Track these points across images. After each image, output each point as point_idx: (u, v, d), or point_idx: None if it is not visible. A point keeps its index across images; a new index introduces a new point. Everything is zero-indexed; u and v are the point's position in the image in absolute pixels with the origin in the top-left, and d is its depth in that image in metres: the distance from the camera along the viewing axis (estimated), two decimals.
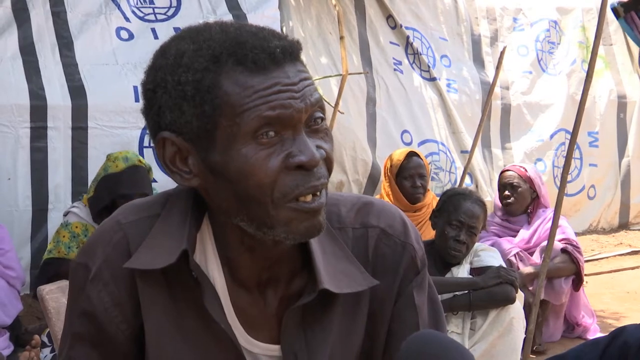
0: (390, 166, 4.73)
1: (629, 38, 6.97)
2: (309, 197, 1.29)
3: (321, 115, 1.31)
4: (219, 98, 1.25)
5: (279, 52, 1.27)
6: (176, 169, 1.33)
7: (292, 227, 1.29)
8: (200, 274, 1.36)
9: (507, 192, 4.77)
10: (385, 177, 4.81)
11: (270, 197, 1.27)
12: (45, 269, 4.16)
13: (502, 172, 4.89)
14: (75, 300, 1.44)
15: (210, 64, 1.26)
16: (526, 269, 4.49)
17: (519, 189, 4.74)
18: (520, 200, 4.75)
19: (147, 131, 1.37)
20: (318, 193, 1.30)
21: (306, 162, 1.27)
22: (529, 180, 4.75)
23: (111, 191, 3.99)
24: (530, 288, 4.40)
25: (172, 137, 1.30)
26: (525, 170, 4.80)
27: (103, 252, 1.40)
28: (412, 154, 4.77)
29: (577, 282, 4.60)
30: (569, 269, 4.55)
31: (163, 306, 1.39)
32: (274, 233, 1.30)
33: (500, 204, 4.85)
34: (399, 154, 4.80)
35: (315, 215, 1.30)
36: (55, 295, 1.89)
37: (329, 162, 1.32)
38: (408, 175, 4.67)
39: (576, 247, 4.61)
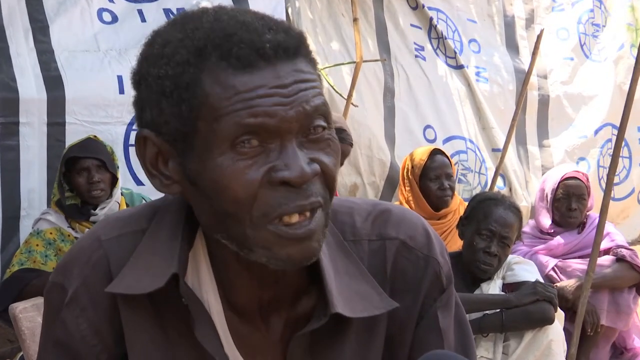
0: (412, 167, 4.74)
1: None
2: (295, 218, 1.26)
3: (322, 123, 1.28)
4: (197, 98, 1.24)
5: (269, 47, 1.24)
6: (156, 172, 1.32)
7: (273, 253, 1.27)
8: (192, 300, 1.36)
9: (574, 205, 4.69)
10: (404, 180, 4.81)
11: (248, 215, 1.25)
12: (15, 282, 4.20)
13: (566, 178, 4.75)
14: (49, 327, 1.45)
15: (192, 57, 1.25)
16: (571, 282, 4.45)
17: (584, 201, 4.70)
18: (583, 213, 4.72)
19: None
20: (307, 214, 1.27)
21: (292, 179, 1.24)
22: (589, 190, 4.73)
23: (63, 159, 4.36)
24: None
25: (151, 136, 1.30)
26: (587, 178, 4.77)
27: (81, 273, 1.40)
28: (435, 152, 4.79)
29: None
30: (630, 277, 4.50)
31: (150, 335, 1.39)
32: (255, 256, 1.28)
33: (549, 215, 4.77)
34: (421, 153, 4.82)
35: (301, 241, 1.27)
36: (30, 315, 1.90)
37: (328, 179, 1.29)
38: (434, 177, 4.68)
39: (630, 250, 4.58)
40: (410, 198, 4.75)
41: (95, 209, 4.36)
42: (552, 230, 4.76)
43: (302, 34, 1.31)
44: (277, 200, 1.25)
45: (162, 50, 1.27)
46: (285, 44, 1.26)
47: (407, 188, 4.79)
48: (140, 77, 1.30)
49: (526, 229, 4.77)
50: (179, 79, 1.25)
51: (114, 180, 4.42)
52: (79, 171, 4.34)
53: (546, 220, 4.76)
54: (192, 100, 1.24)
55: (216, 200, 1.26)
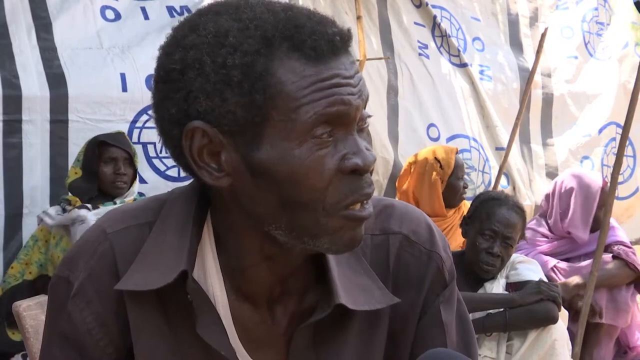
0: (441, 166, 4.76)
1: None
2: (358, 206, 1.31)
3: (368, 113, 1.34)
4: (272, 87, 1.25)
5: (339, 40, 1.28)
6: (204, 164, 1.31)
7: (337, 237, 1.31)
8: (198, 295, 1.37)
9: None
10: (421, 176, 4.80)
11: (322, 204, 1.28)
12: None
13: (604, 186, 4.73)
14: (53, 320, 1.45)
15: (262, 47, 1.25)
16: (573, 279, 4.46)
17: None
18: None
19: (159, 119, 1.34)
20: (365, 201, 1.33)
21: (362, 166, 1.29)
22: None
23: (92, 145, 4.44)
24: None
25: (205, 127, 1.28)
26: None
27: (86, 266, 1.41)
28: (455, 152, 4.89)
29: None
30: (626, 274, 4.51)
31: (156, 328, 1.40)
32: (316, 242, 1.31)
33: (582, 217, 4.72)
34: (446, 152, 4.85)
35: (360, 224, 1.33)
36: (34, 312, 1.90)
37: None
38: (461, 176, 4.76)
39: (628, 248, 4.58)
40: (425, 196, 4.77)
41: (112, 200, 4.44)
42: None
43: (350, 29, 1.34)
44: (348, 188, 1.29)
45: (222, 39, 1.26)
46: (347, 37, 1.31)
47: (425, 185, 4.79)
48: (184, 66, 1.28)
49: (540, 228, 4.76)
50: (250, 69, 1.25)
51: (133, 179, 4.52)
52: (106, 160, 4.42)
53: (584, 233, 4.66)
54: (266, 90, 1.25)
55: (289, 190, 1.28)
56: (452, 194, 4.74)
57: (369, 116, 1.29)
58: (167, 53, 1.31)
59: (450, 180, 4.74)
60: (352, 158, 1.29)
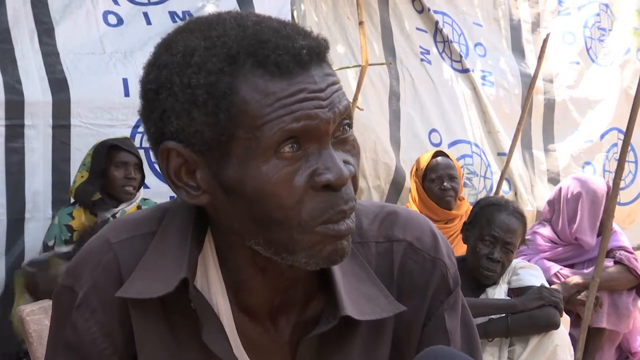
0: (416, 170, 4.81)
1: None
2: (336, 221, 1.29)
3: (348, 121, 1.30)
4: (235, 106, 1.24)
5: (305, 53, 1.25)
6: (182, 184, 1.32)
7: (315, 252, 1.29)
8: (201, 304, 1.37)
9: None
10: (411, 183, 4.89)
11: (296, 220, 1.26)
12: None
13: (608, 190, 4.75)
14: (59, 329, 1.45)
15: (226, 65, 1.24)
16: (573, 278, 4.46)
17: None
18: None
19: (145, 136, 1.36)
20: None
21: (334, 182, 1.26)
22: None
23: (103, 148, 4.42)
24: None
25: (178, 147, 1.29)
26: None
27: (91, 276, 1.41)
28: (438, 154, 4.86)
29: None
30: (627, 279, 4.51)
31: (160, 337, 1.40)
32: (293, 258, 1.30)
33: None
34: (426, 155, 4.89)
35: (341, 238, 1.30)
36: (37, 317, 1.91)
37: (354, 180, 1.32)
38: (435, 177, 4.76)
39: (630, 253, 4.58)
40: (418, 199, 4.83)
41: (117, 206, 4.44)
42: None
43: (326, 38, 1.33)
44: (322, 205, 1.27)
45: (188, 58, 1.26)
46: (317, 49, 1.28)
47: (414, 189, 4.87)
48: (158, 86, 1.29)
49: (545, 233, 4.76)
50: (213, 88, 1.24)
51: (140, 185, 4.55)
52: (117, 164, 4.43)
53: (591, 239, 4.67)
54: (230, 109, 1.24)
55: (260, 207, 1.26)
56: (432, 197, 4.77)
57: (350, 125, 1.23)
58: (146, 72, 1.33)
59: (424, 183, 4.78)
60: (323, 173, 1.26)
